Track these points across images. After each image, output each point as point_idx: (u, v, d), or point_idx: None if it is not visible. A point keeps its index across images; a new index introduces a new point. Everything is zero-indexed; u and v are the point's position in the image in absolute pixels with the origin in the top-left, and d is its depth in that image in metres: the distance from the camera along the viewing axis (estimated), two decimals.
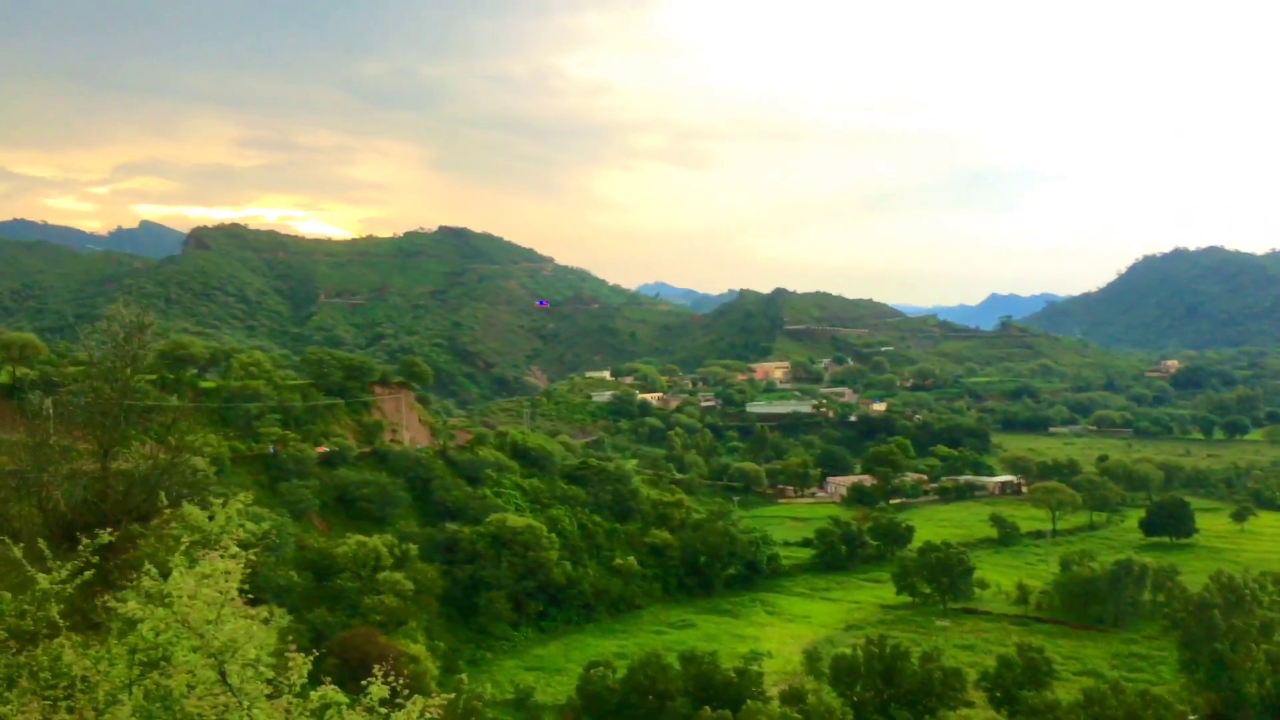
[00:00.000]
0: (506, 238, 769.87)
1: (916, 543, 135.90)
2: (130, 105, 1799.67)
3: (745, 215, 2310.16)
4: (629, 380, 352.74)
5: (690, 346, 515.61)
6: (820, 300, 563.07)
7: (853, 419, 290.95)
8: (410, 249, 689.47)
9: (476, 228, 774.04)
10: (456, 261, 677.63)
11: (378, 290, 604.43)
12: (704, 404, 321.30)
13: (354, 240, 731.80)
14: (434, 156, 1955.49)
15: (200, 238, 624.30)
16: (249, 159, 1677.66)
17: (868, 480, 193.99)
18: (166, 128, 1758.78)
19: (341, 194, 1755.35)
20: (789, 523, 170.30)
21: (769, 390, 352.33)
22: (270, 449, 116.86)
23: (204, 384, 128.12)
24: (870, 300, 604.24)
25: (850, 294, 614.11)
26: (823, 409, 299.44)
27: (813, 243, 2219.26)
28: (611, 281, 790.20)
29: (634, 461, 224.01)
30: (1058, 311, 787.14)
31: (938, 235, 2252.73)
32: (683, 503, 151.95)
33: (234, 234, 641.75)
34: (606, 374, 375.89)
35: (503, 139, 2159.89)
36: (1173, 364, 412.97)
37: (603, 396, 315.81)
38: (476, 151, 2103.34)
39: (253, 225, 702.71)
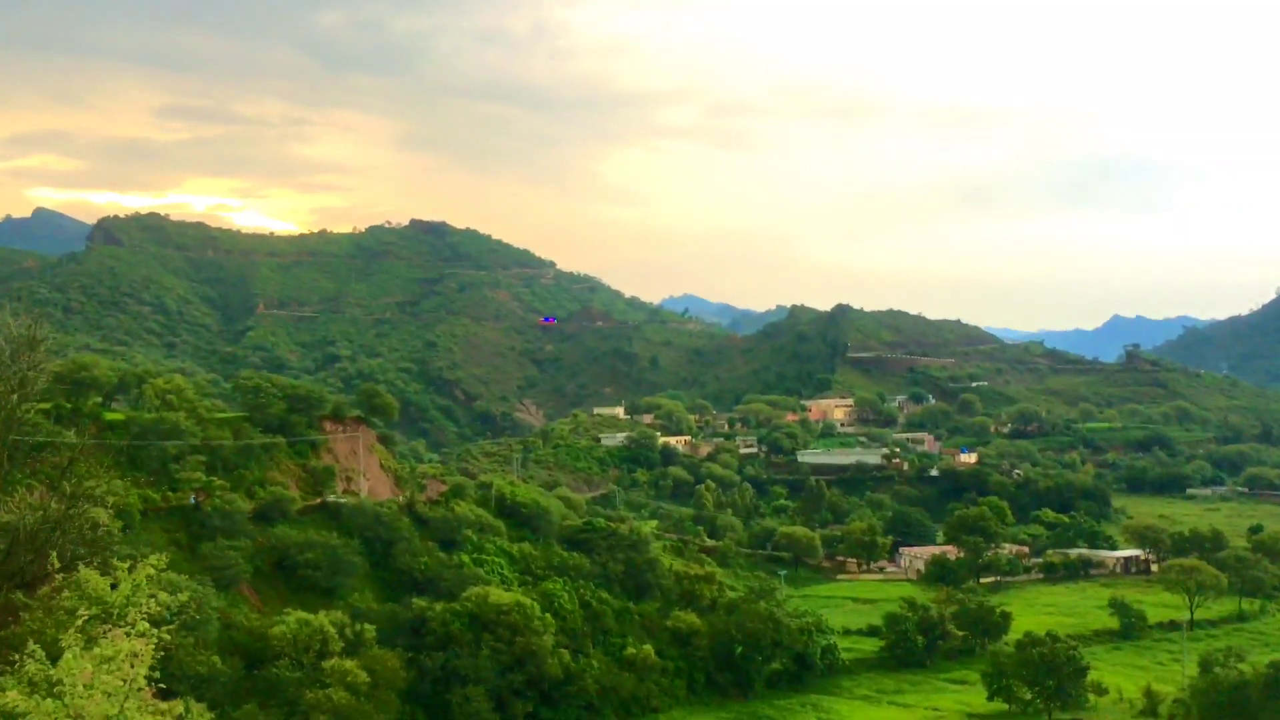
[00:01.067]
0: (495, 235, 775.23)
1: (1014, 634, 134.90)
2: (26, 63, 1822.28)
3: (799, 211, 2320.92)
4: (648, 419, 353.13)
5: (727, 377, 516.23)
6: (894, 320, 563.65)
7: (934, 473, 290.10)
8: (374, 248, 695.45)
9: (458, 223, 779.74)
10: (432, 265, 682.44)
11: (331, 300, 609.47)
12: (744, 451, 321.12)
13: (303, 236, 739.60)
14: (406, 132, 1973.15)
15: (109, 230, 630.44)
16: (174, 132, 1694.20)
17: (952, 552, 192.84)
18: (71, 92, 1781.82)
19: (289, 178, 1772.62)
20: (850, 605, 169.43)
21: (827, 435, 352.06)
22: (192, 500, 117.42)
23: (110, 416, 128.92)
24: (958, 321, 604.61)
25: (932, 313, 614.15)
26: (895, 460, 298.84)
27: (885, 247, 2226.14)
28: (628, 293, 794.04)
29: (653, 523, 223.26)
30: (1198, 340, 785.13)
31: (1046, 242, 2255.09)
32: (715, 577, 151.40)
33: (152, 226, 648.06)
34: (619, 411, 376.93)
35: (493, 111, 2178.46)
36: None
37: (614, 439, 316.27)
38: (460, 126, 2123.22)
39: (176, 216, 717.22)
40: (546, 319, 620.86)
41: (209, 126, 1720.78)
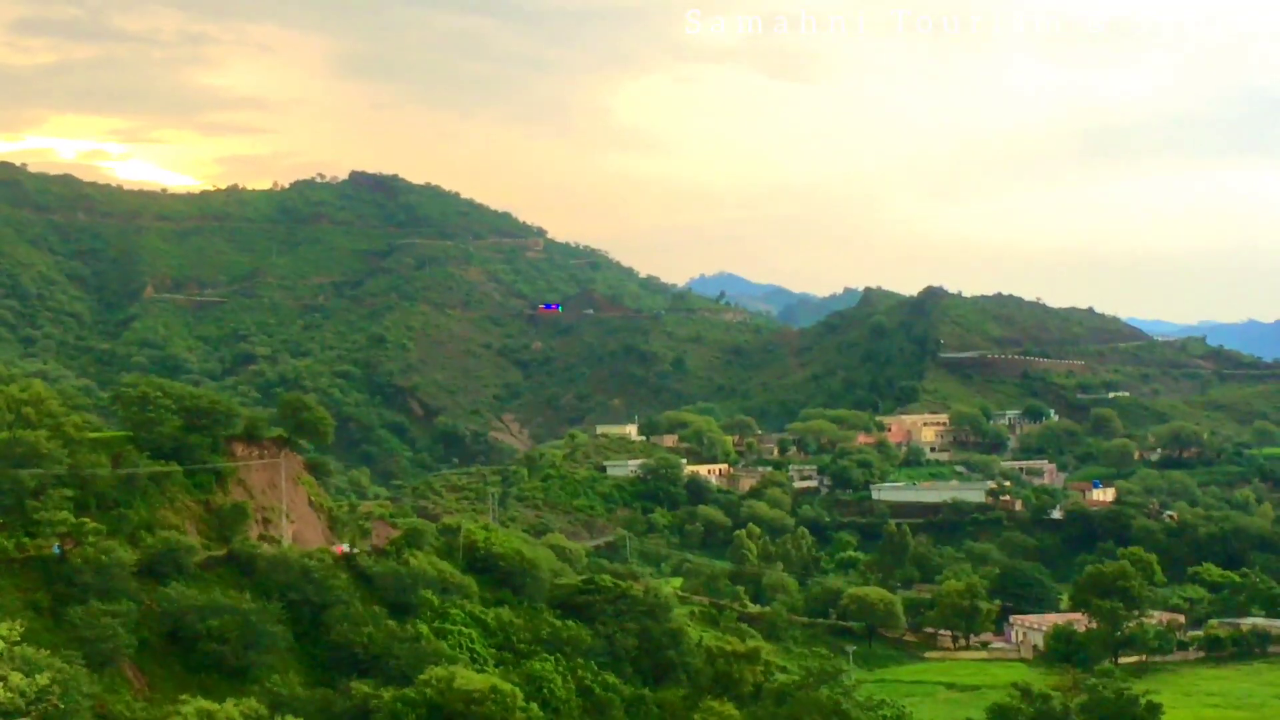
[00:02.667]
0: (466, 194, 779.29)
1: None
2: None
3: (875, 164, 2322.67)
4: (670, 442, 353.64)
5: (777, 385, 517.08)
6: (1002, 309, 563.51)
7: (1056, 515, 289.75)
8: (302, 210, 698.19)
9: (415, 176, 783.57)
10: (380, 233, 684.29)
11: (245, 280, 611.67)
12: (800, 484, 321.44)
13: (206, 194, 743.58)
14: (345, 53, 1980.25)
15: None
16: (32, 53, 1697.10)
17: (1081, 622, 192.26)
18: None
19: (187, 116, 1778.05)
20: (944, 693, 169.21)
21: (912, 463, 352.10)
22: (55, 549, 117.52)
23: None
24: (1089, 311, 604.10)
25: (1054, 299, 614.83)
26: (1005, 498, 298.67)
27: (990, 212, 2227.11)
28: (644, 272, 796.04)
29: (677, 581, 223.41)
30: None
31: (1208, 203, 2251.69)
32: (760, 655, 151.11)
33: (3, 178, 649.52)
34: (631, 430, 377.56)
35: (463, 24, 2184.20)
36: None
37: (625, 469, 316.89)
38: (418, 46, 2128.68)
39: (36, 166, 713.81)
40: (547, 305, 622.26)
41: (80, 46, 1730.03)
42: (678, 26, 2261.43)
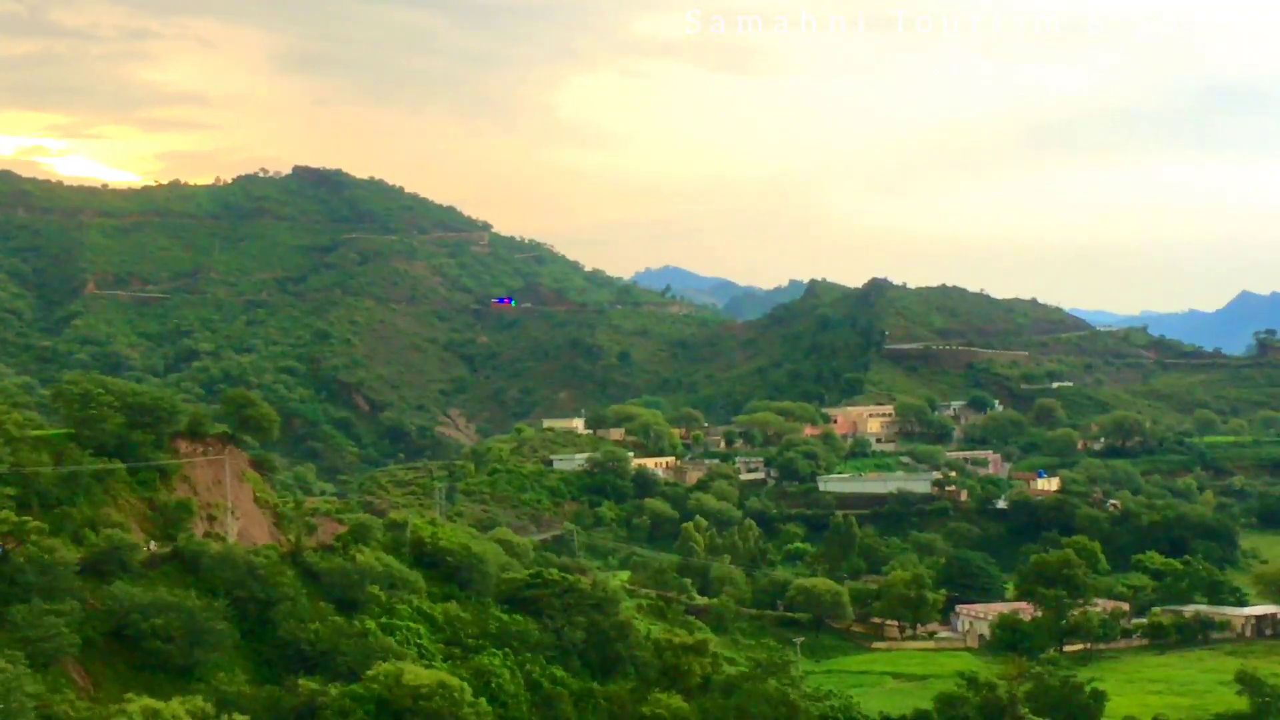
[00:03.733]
0: (410, 189, 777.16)
1: None
2: None
3: (820, 157, 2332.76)
4: (617, 435, 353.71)
5: (723, 378, 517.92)
6: (947, 300, 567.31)
7: (1001, 505, 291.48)
8: (245, 206, 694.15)
9: (359, 171, 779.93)
10: (324, 228, 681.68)
11: (187, 276, 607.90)
12: (746, 476, 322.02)
13: (148, 190, 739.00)
14: (288, 48, 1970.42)
15: None
16: None
17: (1026, 611, 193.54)
18: None
19: (128, 112, 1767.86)
20: (890, 683, 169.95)
21: (858, 454, 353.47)
22: None
23: None
24: (1033, 301, 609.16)
25: (998, 290, 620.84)
26: (950, 488, 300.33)
27: (935, 204, 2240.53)
28: (589, 265, 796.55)
29: (625, 574, 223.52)
30: None
31: (1151, 195, 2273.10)
32: (708, 647, 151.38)
33: None
34: (578, 424, 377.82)
35: (408, 20, 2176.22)
36: None
37: (572, 462, 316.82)
38: (362, 41, 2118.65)
39: None
40: (500, 299, 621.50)
41: (18, 41, 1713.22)
42: (624, 22, 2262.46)
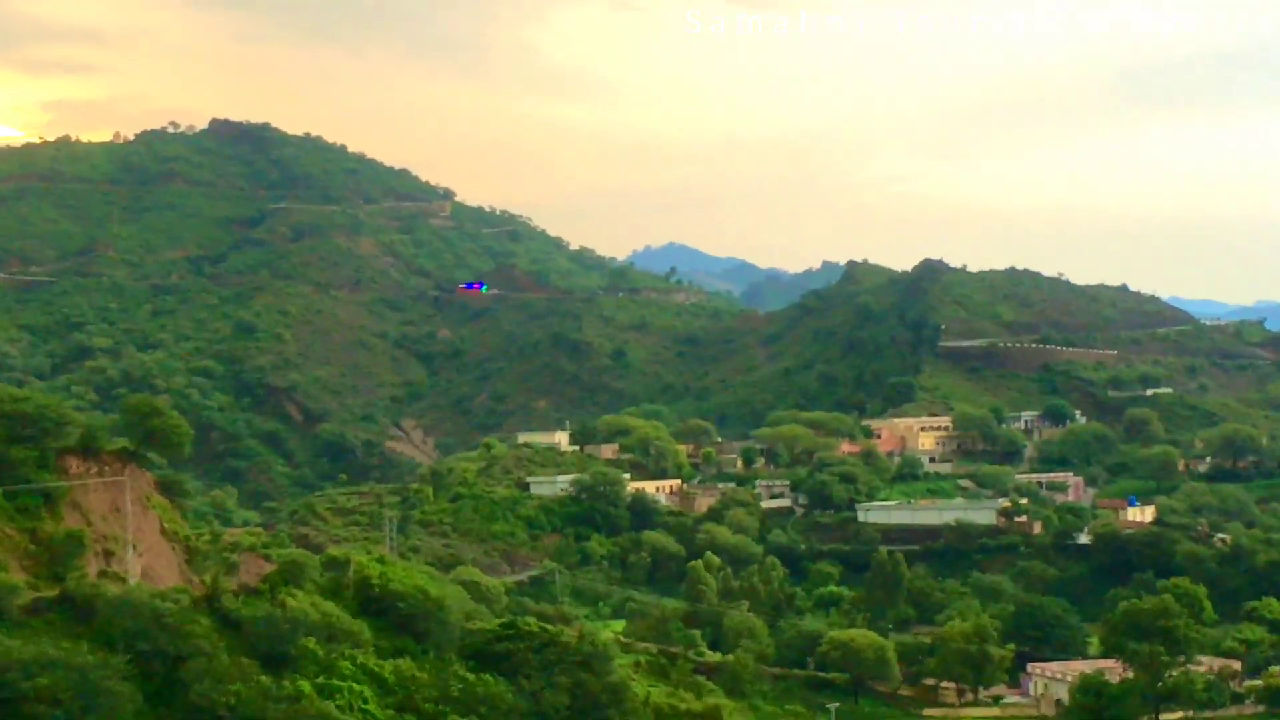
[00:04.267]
0: (355, 148, 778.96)
1: None
2: None
3: (864, 112, 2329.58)
4: (609, 452, 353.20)
5: (741, 382, 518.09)
6: (1016, 286, 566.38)
7: (1083, 539, 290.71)
8: (150, 168, 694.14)
9: (292, 126, 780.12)
10: (248, 196, 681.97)
11: (79, 255, 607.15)
12: (769, 504, 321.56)
13: (31, 148, 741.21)
14: None
15: None
16: None
17: (1114, 670, 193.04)
18: None
19: (7, 52, 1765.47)
20: None
21: (908, 477, 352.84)
22: None
23: None
24: (1123, 289, 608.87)
25: (1080, 275, 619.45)
26: (1020, 519, 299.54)
27: (1002, 171, 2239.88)
28: (575, 243, 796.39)
29: (619, 624, 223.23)
30: None
31: (1264, 160, 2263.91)
32: (721, 713, 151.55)
33: None
34: (562, 438, 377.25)
35: None
36: None
37: (554, 486, 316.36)
38: None
39: None
40: (469, 285, 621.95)
41: None
42: None
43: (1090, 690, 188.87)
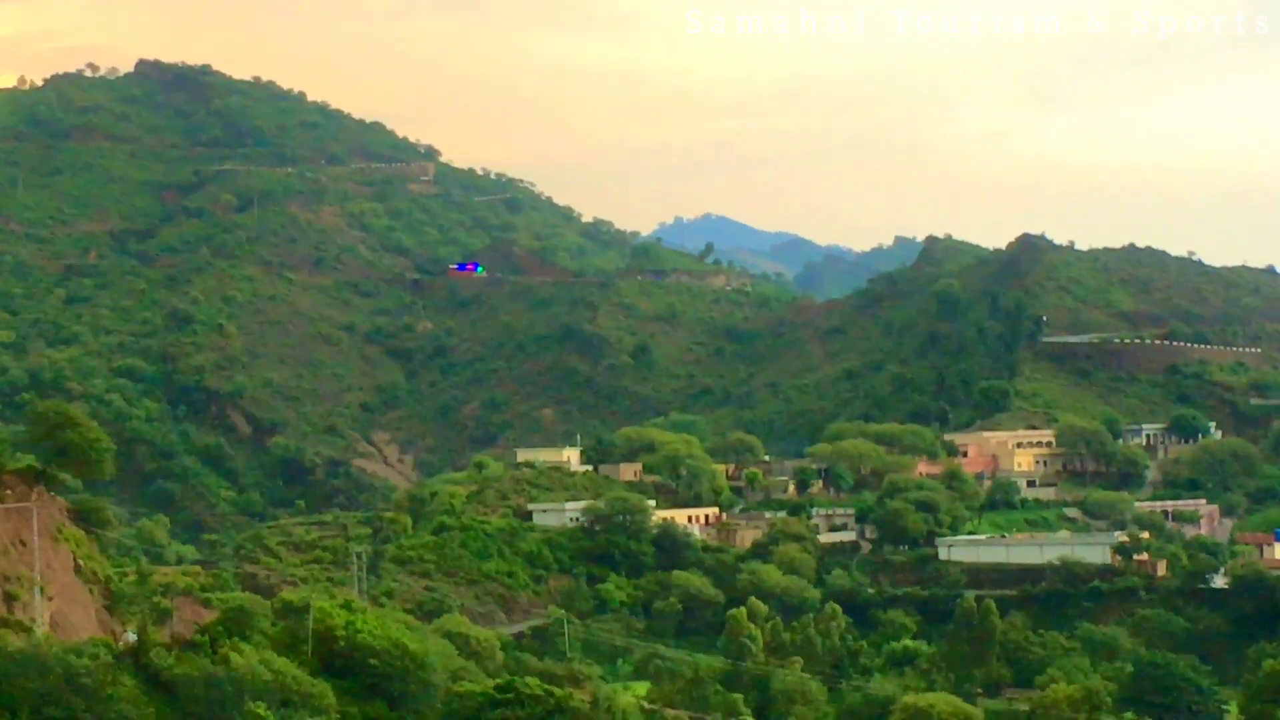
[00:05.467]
0: (315, 96, 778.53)
1: None
2: None
3: (942, 51, 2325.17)
4: (630, 473, 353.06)
5: (794, 386, 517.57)
6: (1137, 267, 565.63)
7: (1219, 582, 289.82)
8: (63, 120, 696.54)
9: (236, 69, 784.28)
10: (183, 154, 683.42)
11: None
12: (828, 537, 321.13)
13: None
14: None
15: None
16: None
17: None
18: None
19: None
20: None
21: (1000, 504, 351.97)
22: None
23: None
24: (1270, 270, 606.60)
25: (1212, 255, 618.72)
26: (1142, 557, 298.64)
27: (1116, 122, 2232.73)
28: (589, 215, 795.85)
29: (643, 686, 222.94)
30: None
31: None
32: None
33: None
34: (572, 455, 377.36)
35: None
36: None
37: (562, 515, 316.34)
38: None
39: None
40: (461, 265, 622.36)
41: None
42: None
43: None
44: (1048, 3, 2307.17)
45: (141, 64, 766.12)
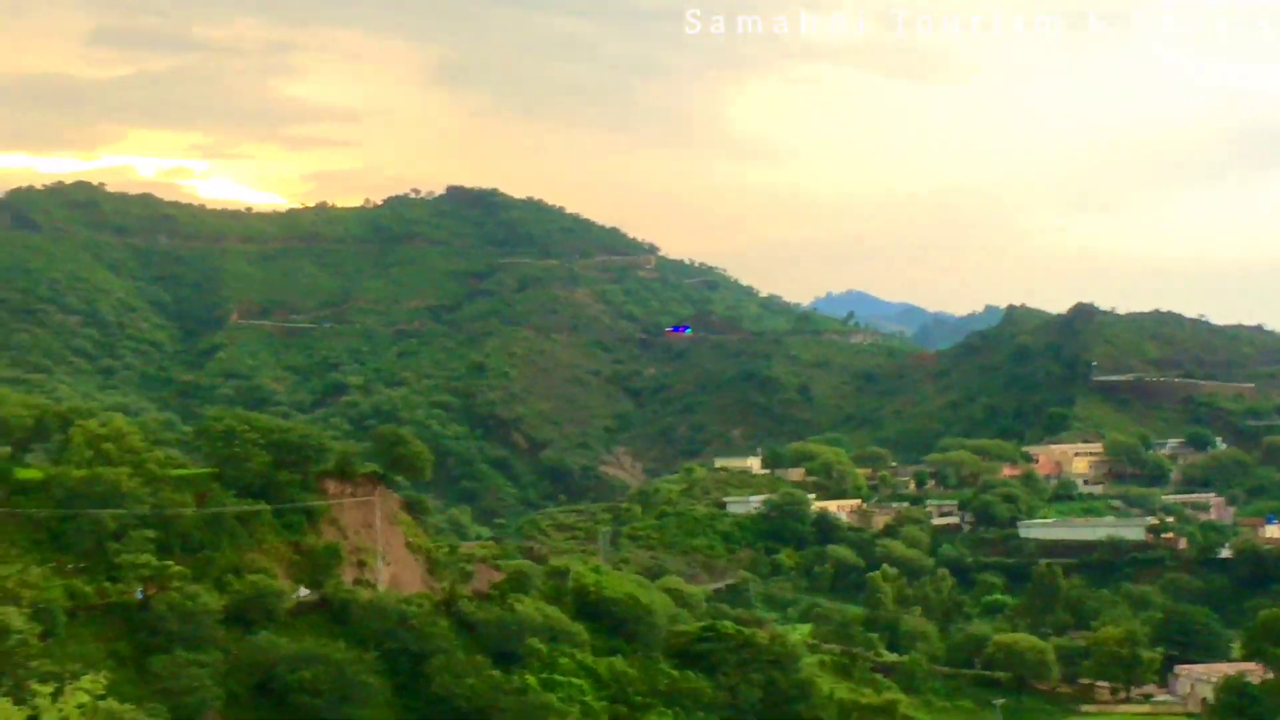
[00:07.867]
0: (571, 209, 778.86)
1: None
2: None
3: (1015, 169, 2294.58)
4: (796, 475, 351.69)
5: (913, 413, 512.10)
6: (1162, 327, 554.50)
7: (1225, 554, 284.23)
8: (396, 230, 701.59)
9: (516, 190, 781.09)
10: (479, 252, 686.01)
11: (335, 305, 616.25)
12: (939, 521, 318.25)
13: (294, 213, 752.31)
14: (440, 60, 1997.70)
15: (20, 207, 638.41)
16: (108, 66, 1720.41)
17: (1255, 672, 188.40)
18: None
19: (272, 129, 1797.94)
20: None
21: (1063, 497, 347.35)
22: (138, 594, 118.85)
23: (22, 473, 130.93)
24: (1259, 328, 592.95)
25: (1220, 315, 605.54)
26: (1167, 535, 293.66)
27: (1145, 220, 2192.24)
28: (764, 290, 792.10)
29: (806, 628, 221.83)
30: None
31: None
32: (897, 708, 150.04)
33: (81, 201, 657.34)
34: (754, 463, 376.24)
35: (565, 27, 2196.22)
36: None
37: (747, 505, 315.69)
38: (517, 50, 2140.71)
39: (115, 185, 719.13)
40: (675, 328, 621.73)
41: (158, 56, 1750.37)
42: (792, 24, 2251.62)
43: (1233, 690, 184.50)
44: (1091, 125, 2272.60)
45: (449, 188, 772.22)
